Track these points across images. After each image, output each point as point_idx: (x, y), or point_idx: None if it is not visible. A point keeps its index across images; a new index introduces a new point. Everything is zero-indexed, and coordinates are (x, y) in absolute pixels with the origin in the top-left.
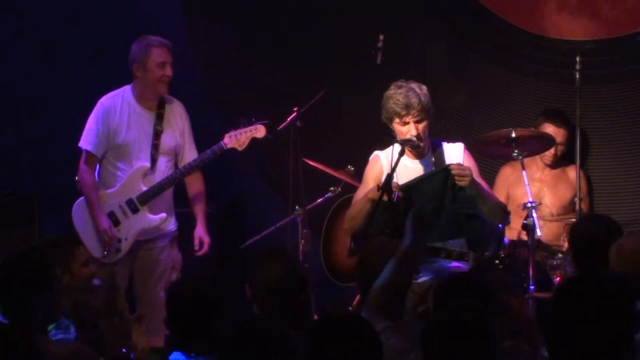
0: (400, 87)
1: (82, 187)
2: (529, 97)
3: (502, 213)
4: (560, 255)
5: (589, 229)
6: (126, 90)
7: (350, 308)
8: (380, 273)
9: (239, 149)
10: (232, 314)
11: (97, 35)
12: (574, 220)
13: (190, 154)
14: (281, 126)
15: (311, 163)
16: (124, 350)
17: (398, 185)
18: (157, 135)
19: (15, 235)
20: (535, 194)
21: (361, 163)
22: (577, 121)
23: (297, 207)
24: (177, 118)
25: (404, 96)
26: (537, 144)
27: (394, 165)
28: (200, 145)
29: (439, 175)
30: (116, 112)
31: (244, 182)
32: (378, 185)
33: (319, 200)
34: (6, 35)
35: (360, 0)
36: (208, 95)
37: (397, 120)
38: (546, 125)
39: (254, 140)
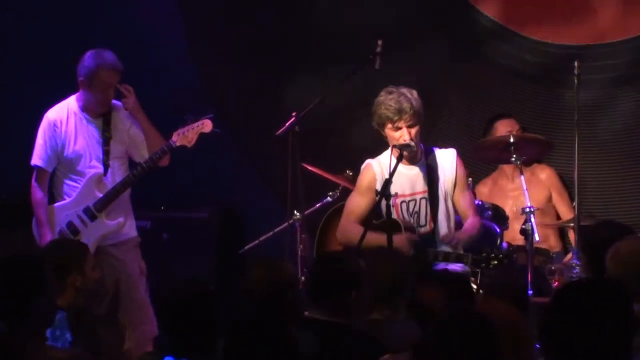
0: (391, 93)
1: (32, 203)
2: (527, 101)
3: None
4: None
5: (601, 234)
6: (72, 101)
7: None
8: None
9: (188, 145)
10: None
11: (98, 37)
12: (571, 225)
13: (140, 155)
14: (280, 131)
15: (310, 168)
16: None
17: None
18: (106, 141)
19: (14, 236)
20: (514, 203)
21: (360, 167)
22: (576, 125)
23: (295, 212)
24: (124, 121)
25: (396, 101)
26: (535, 149)
27: (393, 170)
28: (199, 149)
29: None
30: (62, 124)
31: (243, 186)
32: (377, 190)
33: (317, 205)
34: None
35: (360, 5)
36: (207, 99)
37: (389, 125)
38: (499, 124)
39: (202, 136)
